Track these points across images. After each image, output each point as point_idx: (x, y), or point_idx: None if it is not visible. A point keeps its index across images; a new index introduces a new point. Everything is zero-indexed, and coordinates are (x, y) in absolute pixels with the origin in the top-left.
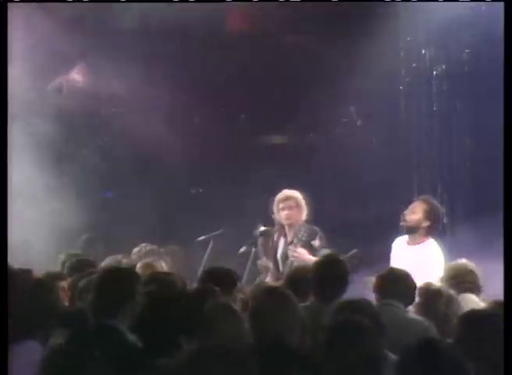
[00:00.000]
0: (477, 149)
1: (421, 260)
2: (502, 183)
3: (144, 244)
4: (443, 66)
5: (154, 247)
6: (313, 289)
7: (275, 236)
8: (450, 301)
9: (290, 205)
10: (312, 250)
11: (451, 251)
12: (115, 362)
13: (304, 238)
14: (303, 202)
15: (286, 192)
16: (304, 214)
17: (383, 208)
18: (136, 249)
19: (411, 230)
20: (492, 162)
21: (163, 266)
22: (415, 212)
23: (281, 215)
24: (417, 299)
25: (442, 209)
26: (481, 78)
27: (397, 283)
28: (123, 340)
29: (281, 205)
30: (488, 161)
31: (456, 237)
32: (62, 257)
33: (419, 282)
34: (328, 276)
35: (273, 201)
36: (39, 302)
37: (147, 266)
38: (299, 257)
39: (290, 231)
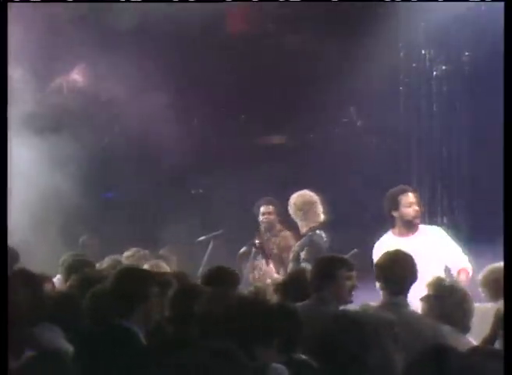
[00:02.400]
0: (477, 149)
1: (433, 244)
2: (502, 183)
3: (136, 249)
4: (443, 67)
5: (147, 252)
6: (313, 288)
7: None
8: (464, 298)
9: (290, 210)
10: (299, 261)
11: None
12: (127, 362)
13: (295, 249)
14: (307, 206)
15: (293, 196)
16: (316, 216)
17: (383, 209)
18: (128, 253)
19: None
20: (492, 161)
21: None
22: (418, 203)
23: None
24: (428, 294)
25: None
26: (480, 78)
27: (400, 271)
28: (136, 341)
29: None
30: (488, 161)
31: (455, 236)
32: (63, 258)
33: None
34: (328, 276)
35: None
36: (37, 302)
37: (157, 267)
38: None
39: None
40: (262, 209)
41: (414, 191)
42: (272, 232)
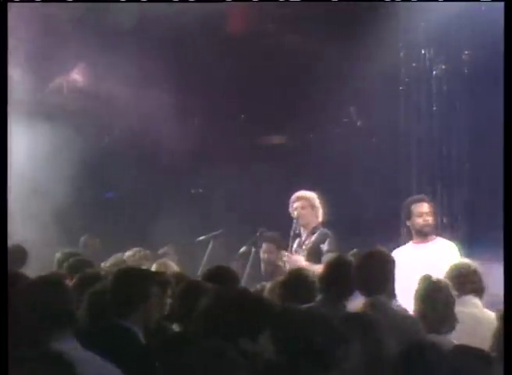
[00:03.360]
0: (477, 149)
1: (444, 254)
2: (502, 183)
3: (137, 249)
4: (443, 66)
5: (148, 252)
6: (321, 289)
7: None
8: (449, 294)
9: (303, 205)
10: (320, 253)
11: None
12: (127, 362)
13: (312, 243)
14: (316, 202)
15: (298, 193)
16: (319, 215)
17: (383, 209)
18: (129, 253)
19: (432, 232)
20: (492, 161)
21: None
22: (431, 213)
23: (294, 215)
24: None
25: None
26: (480, 78)
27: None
28: (135, 341)
29: (294, 206)
30: (488, 161)
31: (455, 237)
32: (58, 255)
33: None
34: (337, 277)
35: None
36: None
37: (164, 265)
38: (292, 262)
39: (305, 232)
40: (264, 247)
41: (429, 201)
42: (275, 271)
